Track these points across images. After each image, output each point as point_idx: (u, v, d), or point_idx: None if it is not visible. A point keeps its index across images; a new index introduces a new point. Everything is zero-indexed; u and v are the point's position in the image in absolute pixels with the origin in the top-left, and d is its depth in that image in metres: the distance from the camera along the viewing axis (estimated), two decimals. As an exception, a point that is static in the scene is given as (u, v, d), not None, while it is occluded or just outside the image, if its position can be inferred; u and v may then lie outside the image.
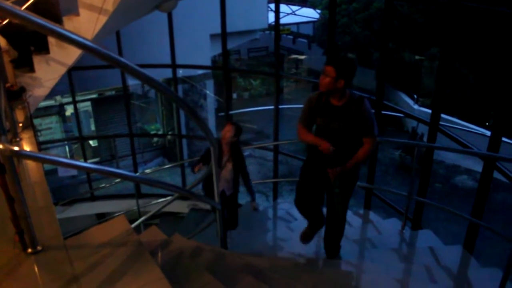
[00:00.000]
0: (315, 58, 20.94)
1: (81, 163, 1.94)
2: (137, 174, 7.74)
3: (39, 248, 1.99)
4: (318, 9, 22.59)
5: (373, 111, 3.47)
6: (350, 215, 5.74)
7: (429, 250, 4.47)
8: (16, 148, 1.73)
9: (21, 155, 1.81)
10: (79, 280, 1.82)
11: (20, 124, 3.60)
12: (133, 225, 2.46)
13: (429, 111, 4.96)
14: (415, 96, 16.14)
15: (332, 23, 5.72)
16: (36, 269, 1.91)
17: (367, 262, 4.44)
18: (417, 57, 17.21)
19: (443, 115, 4.86)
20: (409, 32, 15.89)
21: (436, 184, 11.60)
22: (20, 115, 3.91)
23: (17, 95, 4.21)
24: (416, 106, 15.38)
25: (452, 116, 12.82)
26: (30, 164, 2.92)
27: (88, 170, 1.80)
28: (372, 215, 5.68)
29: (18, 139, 3.27)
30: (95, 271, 1.87)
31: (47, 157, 1.84)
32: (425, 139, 11.10)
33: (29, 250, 1.97)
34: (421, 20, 15.94)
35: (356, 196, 10.02)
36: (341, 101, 3.42)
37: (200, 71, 11.55)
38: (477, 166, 11.72)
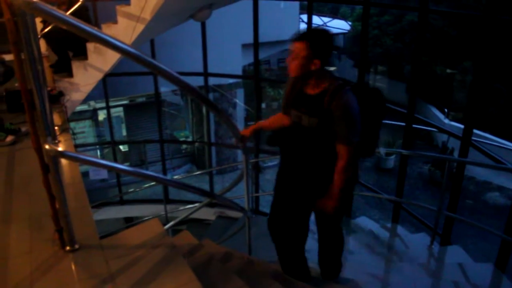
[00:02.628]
0: (345, 69, 20.89)
1: (120, 165, 2.01)
2: (174, 178, 7.83)
3: (76, 246, 2.06)
4: (349, 20, 22.59)
5: (355, 108, 2.45)
6: (377, 228, 5.70)
7: (458, 266, 4.40)
8: (60, 149, 1.81)
9: (66, 155, 1.89)
10: (115, 279, 1.87)
11: (56, 128, 3.72)
12: (164, 229, 2.51)
13: (460, 125, 4.90)
14: (446, 110, 15.90)
15: (365, 35, 5.72)
16: (73, 266, 1.98)
17: (394, 276, 4.39)
18: (448, 70, 16.98)
19: (475, 130, 4.79)
20: (442, 45, 15.72)
21: (467, 200, 11.37)
22: (57, 119, 4.05)
23: (55, 99, 4.37)
24: (446, 120, 15.14)
25: (484, 131, 12.57)
26: (66, 165, 3.02)
27: (127, 173, 1.88)
28: (399, 229, 5.62)
29: (56, 142, 3.39)
30: (130, 271, 1.92)
31: (90, 158, 1.92)
32: (455, 154, 10.92)
33: (68, 248, 2.05)
34: (454, 33, 15.76)
35: (383, 209, 9.97)
36: (316, 89, 2.54)
37: (230, 80, 11.66)
38: (509, 183, 11.46)
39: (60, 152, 1.80)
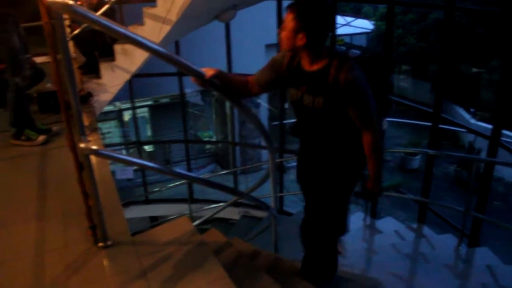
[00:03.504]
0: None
1: (152, 164, 2.06)
2: (203, 176, 7.90)
3: (109, 243, 2.12)
4: (372, 20, 22.39)
5: (365, 80, 2.22)
6: (402, 229, 5.64)
7: (487, 268, 4.33)
8: (94, 147, 1.86)
9: (100, 154, 1.94)
10: (147, 274, 1.92)
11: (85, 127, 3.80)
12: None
13: (487, 125, 4.83)
14: (472, 110, 15.63)
15: (389, 34, 5.68)
16: (106, 262, 2.03)
17: (419, 277, 4.35)
18: (474, 69, 16.70)
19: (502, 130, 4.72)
20: (468, 44, 15.45)
21: (495, 201, 11.15)
22: (86, 119, 4.14)
23: (84, 100, 4.47)
24: (473, 121, 14.88)
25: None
26: (97, 164, 3.09)
27: (157, 171, 1.92)
28: (425, 230, 5.56)
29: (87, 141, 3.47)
30: (162, 267, 1.97)
31: (122, 156, 1.97)
32: (482, 154, 10.73)
33: (101, 244, 2.10)
34: (481, 32, 15.48)
35: (409, 210, 9.85)
36: (315, 65, 2.26)
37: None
38: (539, 184, 11.20)
39: (94, 150, 1.86)
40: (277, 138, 7.61)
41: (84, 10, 1.65)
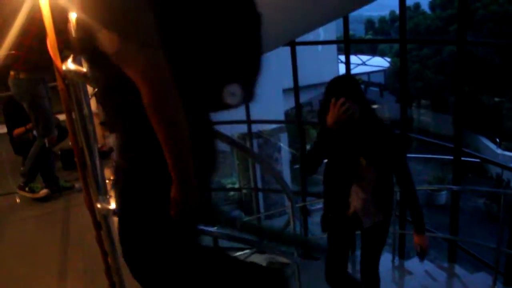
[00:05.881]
0: (388, 106, 20.71)
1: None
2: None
3: (129, 301, 2.11)
4: (388, 56, 22.56)
5: None
6: (433, 269, 5.45)
7: (525, 307, 4.15)
8: (111, 207, 1.89)
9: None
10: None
11: (107, 181, 3.86)
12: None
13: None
14: (498, 139, 15.36)
15: (404, 71, 5.71)
16: (127, 321, 2.02)
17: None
18: (496, 99, 16.53)
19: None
20: (486, 74, 15.38)
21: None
22: (109, 173, 4.20)
23: (106, 155, 4.56)
24: (499, 150, 14.60)
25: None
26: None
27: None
28: (457, 269, 5.37)
29: (108, 197, 3.51)
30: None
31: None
32: (512, 185, 10.45)
33: (127, 303, 2.09)
34: (497, 61, 15.43)
35: (439, 248, 9.56)
36: None
37: (274, 125, 11.74)
38: None
39: (112, 210, 1.88)
40: (299, 180, 7.58)
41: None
